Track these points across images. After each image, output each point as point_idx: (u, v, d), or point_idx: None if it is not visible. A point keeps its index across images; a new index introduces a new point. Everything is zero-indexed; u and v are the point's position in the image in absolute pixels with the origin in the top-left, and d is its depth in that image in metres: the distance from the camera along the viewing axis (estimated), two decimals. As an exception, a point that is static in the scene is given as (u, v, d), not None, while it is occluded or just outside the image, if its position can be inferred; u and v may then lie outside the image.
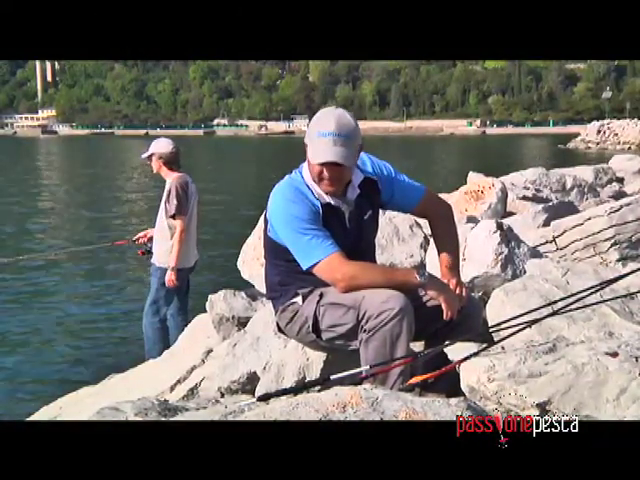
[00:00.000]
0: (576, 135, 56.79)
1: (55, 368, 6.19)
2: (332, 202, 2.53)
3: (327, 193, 2.52)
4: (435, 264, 3.78)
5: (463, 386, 2.27)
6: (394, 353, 2.31)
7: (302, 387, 2.41)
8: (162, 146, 5.22)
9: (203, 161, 40.43)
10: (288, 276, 2.59)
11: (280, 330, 2.77)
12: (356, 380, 2.23)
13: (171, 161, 5.20)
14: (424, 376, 2.27)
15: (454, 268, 2.66)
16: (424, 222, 4.73)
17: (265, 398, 2.31)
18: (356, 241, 2.57)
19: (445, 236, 2.74)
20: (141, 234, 5.62)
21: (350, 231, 2.56)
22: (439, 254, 2.73)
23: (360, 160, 2.62)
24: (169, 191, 5.11)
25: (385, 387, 2.16)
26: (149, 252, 5.40)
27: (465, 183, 6.80)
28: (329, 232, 2.48)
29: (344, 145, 2.41)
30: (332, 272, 2.43)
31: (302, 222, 2.45)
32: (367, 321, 2.34)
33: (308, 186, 2.54)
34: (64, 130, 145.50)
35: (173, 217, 5.09)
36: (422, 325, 2.45)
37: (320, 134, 2.42)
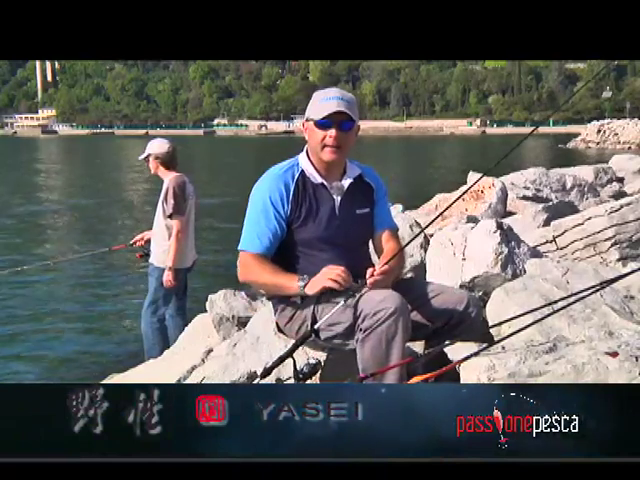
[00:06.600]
0: (576, 135, 56.76)
1: (55, 369, 6.19)
2: (325, 183, 2.55)
3: (328, 162, 2.52)
4: (435, 265, 3.80)
5: (463, 386, 2.27)
6: (390, 352, 2.30)
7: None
8: (158, 146, 5.18)
9: (203, 160, 40.39)
10: (284, 268, 2.58)
11: (280, 330, 2.77)
12: (356, 380, 2.23)
13: (168, 161, 5.17)
14: (424, 376, 2.26)
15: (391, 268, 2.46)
16: (423, 222, 4.73)
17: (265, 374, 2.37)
18: (346, 231, 2.56)
19: (395, 255, 2.50)
20: (138, 237, 5.59)
21: (339, 219, 2.56)
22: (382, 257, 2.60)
23: (360, 166, 2.67)
24: (166, 191, 5.09)
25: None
26: (147, 255, 5.39)
27: (465, 183, 6.80)
28: (316, 215, 2.51)
29: (348, 107, 2.45)
30: (239, 266, 2.56)
31: (261, 209, 2.53)
32: (363, 320, 2.33)
33: (301, 167, 2.56)
34: (64, 130, 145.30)
35: (170, 217, 5.07)
36: (420, 325, 2.45)
37: (324, 99, 2.46)
